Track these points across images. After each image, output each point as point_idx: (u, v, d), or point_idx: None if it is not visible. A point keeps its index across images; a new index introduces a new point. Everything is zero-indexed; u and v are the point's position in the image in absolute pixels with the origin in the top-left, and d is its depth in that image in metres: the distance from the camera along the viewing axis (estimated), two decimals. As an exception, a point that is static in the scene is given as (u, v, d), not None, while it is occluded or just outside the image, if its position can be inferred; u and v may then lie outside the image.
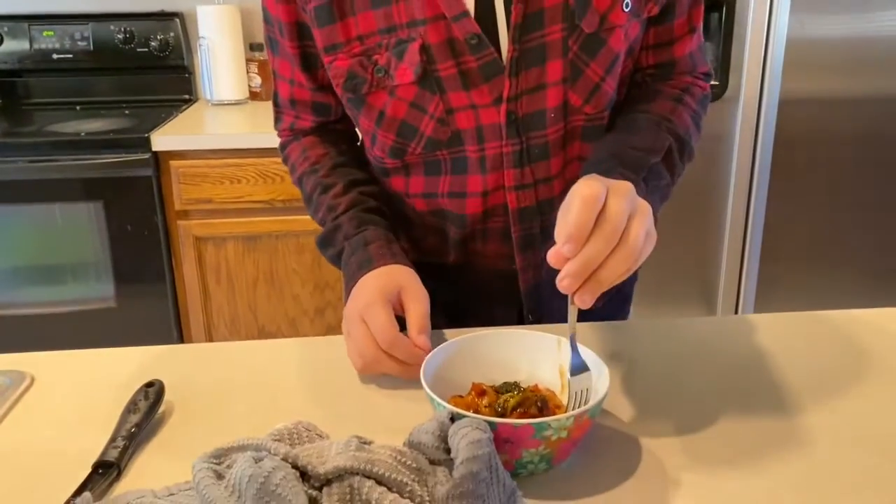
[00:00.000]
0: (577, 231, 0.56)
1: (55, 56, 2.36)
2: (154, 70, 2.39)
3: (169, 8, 2.38)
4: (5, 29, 2.32)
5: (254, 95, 2.38)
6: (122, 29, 2.34)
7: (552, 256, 0.58)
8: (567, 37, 0.77)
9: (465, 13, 0.76)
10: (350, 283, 0.80)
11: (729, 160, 2.00)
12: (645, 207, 0.60)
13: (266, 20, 0.88)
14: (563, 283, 0.57)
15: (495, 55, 0.78)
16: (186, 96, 2.43)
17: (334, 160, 0.91)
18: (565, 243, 0.57)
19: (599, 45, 0.78)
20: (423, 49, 0.77)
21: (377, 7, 0.78)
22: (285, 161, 0.97)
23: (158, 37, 2.35)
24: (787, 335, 0.83)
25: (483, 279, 0.92)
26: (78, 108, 2.37)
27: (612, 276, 0.57)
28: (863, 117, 2.00)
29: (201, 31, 2.28)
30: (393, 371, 0.72)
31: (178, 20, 2.36)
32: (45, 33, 2.35)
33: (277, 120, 0.96)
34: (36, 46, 2.35)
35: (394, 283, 0.77)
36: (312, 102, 0.91)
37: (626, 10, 0.78)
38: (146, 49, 2.37)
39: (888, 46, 1.93)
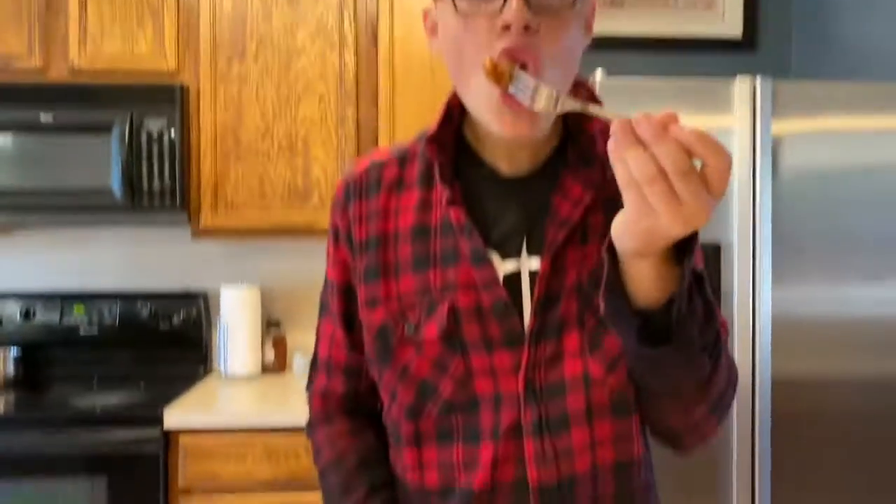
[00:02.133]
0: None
1: (82, 332, 2.50)
2: (173, 345, 2.51)
3: (194, 288, 2.56)
4: (39, 305, 2.49)
5: (266, 370, 2.47)
6: (148, 307, 2.51)
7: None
8: (583, 311, 0.84)
9: (496, 281, 0.85)
10: None
11: (728, 446, 2.02)
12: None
13: (324, 285, 0.99)
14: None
15: (518, 324, 0.84)
16: (201, 369, 2.52)
17: (359, 455, 0.95)
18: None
19: None
20: (452, 310, 0.85)
21: (417, 272, 0.87)
22: (310, 437, 1.02)
23: (181, 314, 2.51)
24: None
25: None
26: (96, 379, 2.45)
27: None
28: (859, 397, 2.05)
29: (222, 309, 2.44)
30: None
31: (201, 299, 2.53)
32: (76, 310, 2.51)
33: (311, 381, 1.03)
34: (65, 322, 2.50)
35: None
36: (346, 365, 0.98)
37: None
38: (168, 326, 2.51)
39: (864, 328, 2.04)
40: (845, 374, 2.05)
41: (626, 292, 0.72)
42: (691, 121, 2.03)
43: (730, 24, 2.70)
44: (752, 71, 2.66)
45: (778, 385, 2.02)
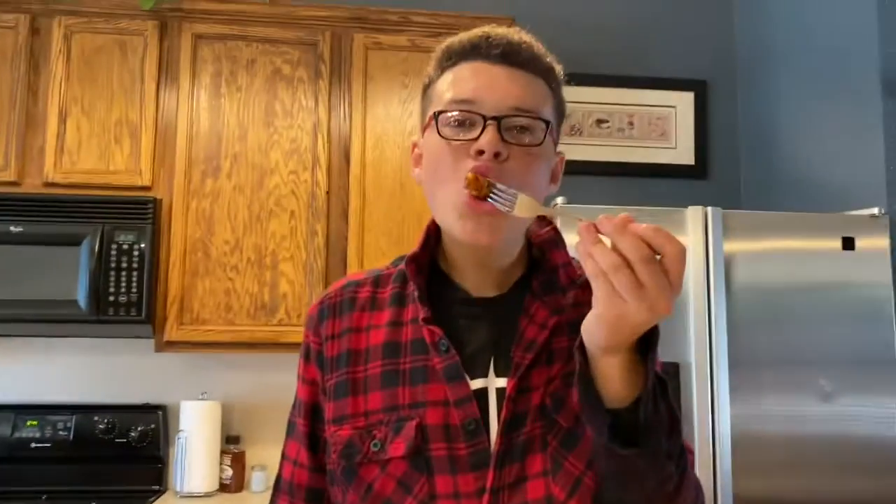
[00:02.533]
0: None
1: (34, 445, 2.42)
2: (128, 460, 2.44)
3: (154, 401, 2.52)
4: (-8, 419, 2.42)
5: (223, 488, 2.41)
6: (106, 420, 2.45)
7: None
8: (546, 432, 0.85)
9: (470, 398, 0.86)
10: None
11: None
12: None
13: (293, 404, 0.99)
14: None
15: (486, 445, 0.85)
16: (156, 487, 2.44)
17: None
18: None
19: (576, 440, 0.85)
20: (420, 428, 0.86)
21: (385, 388, 0.89)
22: None
23: (139, 428, 2.46)
24: None
25: None
26: (44, 497, 2.36)
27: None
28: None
29: (182, 423, 2.39)
30: None
31: (160, 413, 2.49)
32: (28, 423, 2.45)
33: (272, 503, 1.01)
34: (17, 435, 2.42)
35: None
36: (308, 486, 0.96)
37: None
38: (125, 440, 2.45)
39: (820, 447, 2.08)
40: (805, 493, 2.07)
41: (597, 389, 0.76)
42: (646, 246, 2.09)
43: (682, 153, 2.87)
44: (703, 195, 2.82)
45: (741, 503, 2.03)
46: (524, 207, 0.79)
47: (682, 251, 0.68)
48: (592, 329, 0.73)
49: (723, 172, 2.94)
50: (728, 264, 2.09)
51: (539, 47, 0.91)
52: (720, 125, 2.96)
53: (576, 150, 2.80)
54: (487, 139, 0.83)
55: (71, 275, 2.24)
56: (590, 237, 0.70)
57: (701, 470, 2.02)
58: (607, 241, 0.70)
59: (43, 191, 2.31)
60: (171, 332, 2.29)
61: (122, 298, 2.23)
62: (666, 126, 2.88)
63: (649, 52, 2.93)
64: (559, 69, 0.92)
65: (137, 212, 2.28)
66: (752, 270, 2.10)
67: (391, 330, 0.92)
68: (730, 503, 2.03)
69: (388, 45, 2.48)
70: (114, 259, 2.25)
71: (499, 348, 0.90)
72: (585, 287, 0.91)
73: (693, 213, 2.10)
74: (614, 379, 0.75)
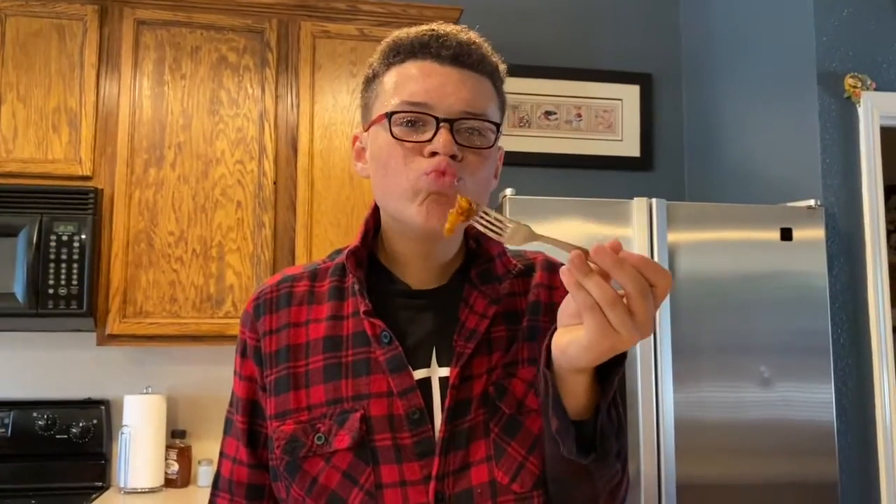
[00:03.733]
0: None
1: (-31, 442, 2.35)
2: (70, 457, 2.38)
3: (97, 396, 2.47)
4: (-76, 417, 2.33)
5: (169, 483, 2.37)
6: (45, 416, 2.38)
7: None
8: (489, 419, 0.88)
9: (414, 388, 0.87)
10: None
11: (639, 545, 2.05)
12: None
13: (230, 401, 0.98)
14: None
15: (430, 433, 0.86)
16: (99, 483, 2.39)
17: None
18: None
19: (518, 427, 0.87)
20: (364, 419, 0.87)
21: (327, 382, 0.89)
22: None
23: (80, 424, 2.40)
24: None
25: None
26: (-20, 496, 2.29)
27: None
28: (761, 500, 2.13)
29: (125, 419, 2.34)
30: None
31: (103, 408, 2.43)
32: (-37, 420, 2.37)
33: (212, 502, 0.98)
34: (-49, 433, 2.34)
35: None
36: (248, 483, 0.95)
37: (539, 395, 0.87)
38: (66, 436, 2.39)
39: (758, 432, 2.15)
40: (745, 475, 2.13)
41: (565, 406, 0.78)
42: (595, 231, 2.15)
43: (628, 145, 2.92)
44: (648, 187, 2.88)
45: (682, 489, 2.08)
46: (519, 237, 0.79)
47: (670, 281, 0.70)
48: (575, 354, 0.73)
49: (667, 165, 2.99)
50: (671, 254, 2.14)
51: (486, 47, 0.92)
52: (665, 118, 3.01)
53: (524, 141, 2.82)
54: (442, 142, 0.85)
55: (7, 267, 2.17)
56: (582, 268, 0.69)
57: (646, 456, 2.07)
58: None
59: (-24, 180, 2.23)
60: (114, 326, 2.24)
61: (62, 291, 2.17)
62: (612, 118, 2.92)
63: (597, 44, 2.97)
64: (503, 67, 0.94)
65: (77, 202, 2.22)
66: (694, 260, 2.16)
67: (331, 324, 0.93)
68: (673, 487, 2.08)
69: (335, 34, 2.46)
70: (53, 250, 2.18)
71: (440, 338, 0.91)
72: (520, 276, 0.95)
73: (638, 205, 2.14)
74: (580, 394, 0.78)
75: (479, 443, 0.87)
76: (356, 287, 0.92)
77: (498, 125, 0.90)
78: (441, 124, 0.85)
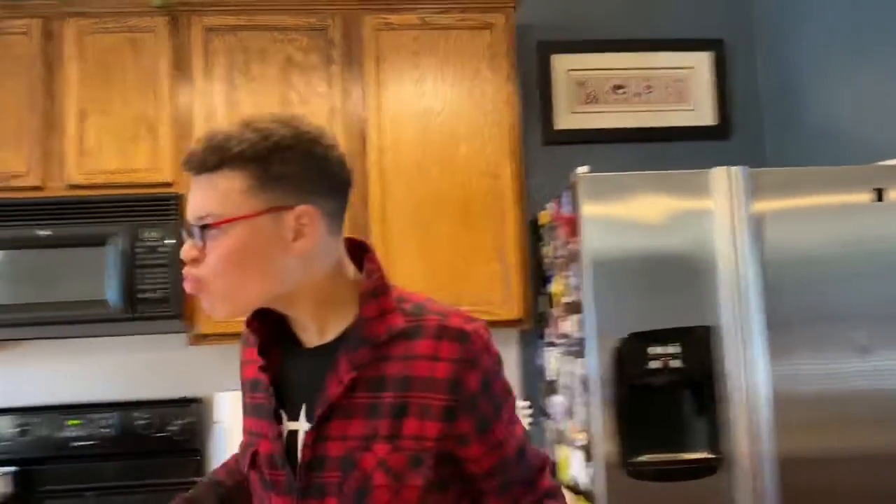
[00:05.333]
0: None
1: (76, 444, 2.47)
2: (170, 454, 2.49)
3: (190, 394, 2.56)
4: (38, 420, 2.47)
5: (264, 475, 2.44)
6: (146, 416, 2.49)
7: None
8: (342, 482, 0.95)
9: (278, 436, 1.00)
10: None
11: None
12: None
13: None
14: None
15: (291, 478, 0.98)
16: (197, 478, 2.47)
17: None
18: None
19: (367, 493, 0.95)
20: (254, 454, 1.04)
21: (248, 416, 1.11)
22: None
23: (178, 422, 2.49)
24: None
25: None
26: (88, 494, 2.41)
27: None
28: (864, 472, 2.04)
29: (219, 414, 2.42)
30: None
31: (197, 405, 2.52)
32: (70, 422, 2.49)
33: None
34: (60, 435, 2.47)
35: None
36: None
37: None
38: (165, 434, 2.49)
39: (859, 402, 2.05)
40: (847, 449, 2.05)
41: None
42: (675, 205, 2.09)
43: (702, 114, 2.83)
44: (726, 156, 2.77)
45: (785, 463, 2.01)
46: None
47: None
48: None
49: (745, 132, 2.89)
50: (757, 223, 2.06)
51: (232, 135, 0.94)
52: (740, 83, 2.90)
53: (593, 118, 2.77)
54: (184, 249, 0.96)
55: (99, 275, 2.26)
56: None
57: (739, 433, 2.01)
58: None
59: (67, 193, 2.34)
60: (204, 326, 2.31)
61: (153, 295, 2.26)
62: (684, 88, 2.83)
63: (663, 13, 2.88)
64: (254, 140, 0.93)
65: (161, 208, 2.30)
66: (781, 228, 2.07)
67: (253, 367, 1.07)
68: (769, 463, 2.01)
69: (398, 25, 2.46)
70: (141, 257, 2.27)
71: (312, 395, 0.98)
72: (401, 338, 0.97)
73: (718, 175, 2.06)
74: None
75: (332, 498, 0.96)
76: (256, 346, 1.04)
77: (207, 225, 0.93)
78: (184, 234, 0.99)
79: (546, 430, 2.52)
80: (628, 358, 2.00)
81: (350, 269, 1.02)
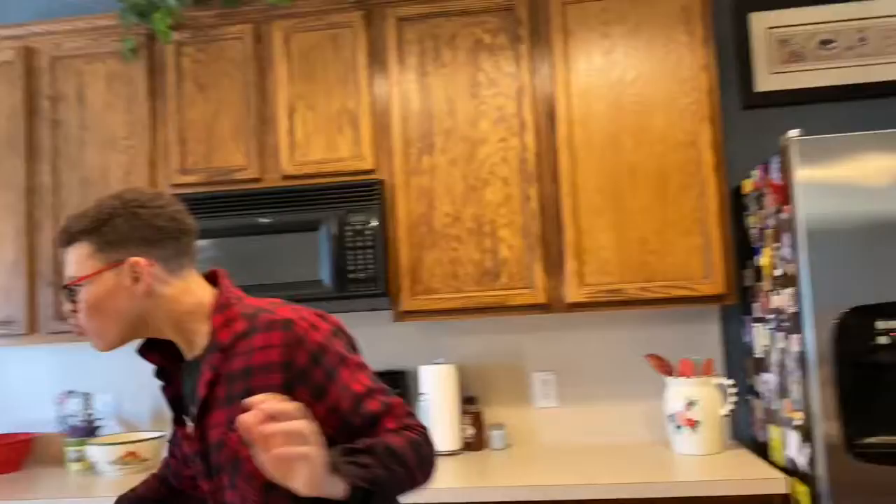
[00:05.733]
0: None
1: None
2: (379, 423, 2.65)
3: (395, 367, 2.71)
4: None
5: (467, 446, 2.54)
6: (355, 387, 2.67)
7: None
8: (226, 462, 1.22)
9: (187, 437, 1.31)
10: None
11: None
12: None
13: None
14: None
15: (200, 466, 1.28)
16: (405, 446, 2.63)
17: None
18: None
19: (238, 468, 1.20)
20: (185, 456, 1.45)
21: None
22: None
23: (384, 393, 2.65)
24: None
25: None
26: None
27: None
28: None
29: (423, 387, 2.55)
30: None
31: (403, 378, 2.67)
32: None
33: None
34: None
35: None
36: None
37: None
38: (373, 404, 2.65)
39: None
40: None
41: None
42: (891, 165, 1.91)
43: (927, 63, 2.55)
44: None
45: None
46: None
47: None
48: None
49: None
50: None
51: (75, 217, 1.26)
52: (973, 25, 2.57)
53: (798, 77, 2.58)
54: (65, 307, 1.28)
55: (313, 257, 2.45)
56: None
57: None
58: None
59: (281, 183, 2.54)
60: (406, 303, 2.44)
61: (361, 275, 2.41)
62: (905, 36, 2.56)
63: (877, -45, 2.61)
64: (95, 212, 1.25)
65: (364, 194, 2.44)
66: None
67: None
68: None
69: (585, -3, 2.43)
70: (349, 240, 2.43)
71: (194, 400, 1.26)
72: (242, 338, 1.20)
73: (954, 130, 1.86)
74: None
75: (224, 475, 1.22)
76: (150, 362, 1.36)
77: (71, 286, 1.25)
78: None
79: (754, 408, 2.41)
80: (851, 333, 1.86)
81: (206, 293, 1.27)
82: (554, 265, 2.42)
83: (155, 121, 2.62)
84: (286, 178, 2.55)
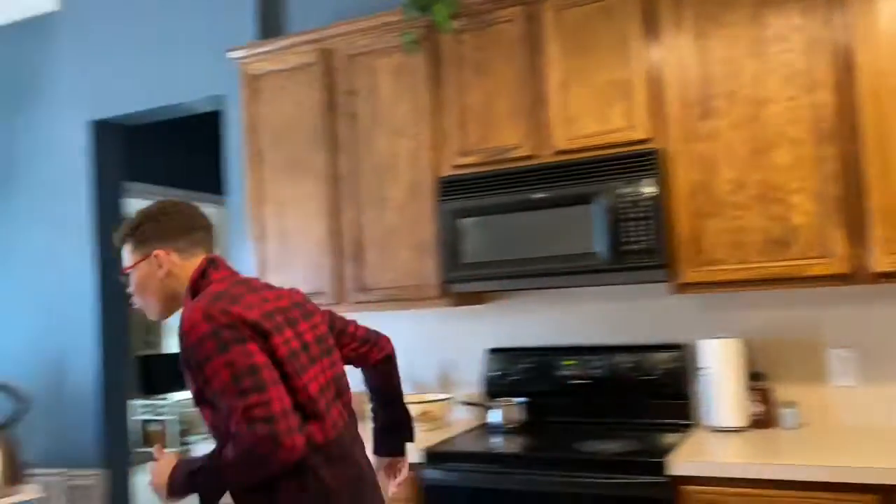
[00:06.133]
0: None
1: (572, 381, 2.77)
2: (654, 396, 2.64)
3: (673, 340, 2.67)
4: (539, 359, 2.84)
5: (755, 423, 2.43)
6: (630, 360, 2.68)
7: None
8: (200, 406, 1.58)
9: None
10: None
11: None
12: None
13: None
14: None
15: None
16: (684, 421, 2.59)
17: None
18: None
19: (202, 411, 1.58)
20: None
21: None
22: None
23: (661, 367, 2.63)
24: None
25: None
26: (583, 425, 2.69)
27: None
28: None
29: (703, 361, 2.48)
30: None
31: (681, 352, 2.62)
32: (565, 362, 2.81)
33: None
34: (558, 373, 2.80)
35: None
36: None
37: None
38: (650, 377, 2.64)
39: None
40: None
41: None
42: None
43: None
44: None
45: None
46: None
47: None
48: None
49: None
50: None
51: (123, 225, 1.73)
52: None
53: None
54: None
55: (587, 230, 2.48)
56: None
57: None
58: None
59: (554, 159, 2.60)
60: (687, 274, 2.38)
61: (637, 246, 2.39)
62: None
63: None
64: (130, 227, 1.73)
65: (639, 164, 2.41)
66: None
67: None
68: None
69: (891, -69, 2.16)
70: (624, 211, 2.42)
71: None
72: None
73: None
74: None
75: (205, 412, 1.57)
76: None
77: (129, 273, 1.73)
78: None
79: None
80: None
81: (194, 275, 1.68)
82: (856, 232, 2.21)
83: (437, 107, 2.81)
84: (558, 153, 2.60)
